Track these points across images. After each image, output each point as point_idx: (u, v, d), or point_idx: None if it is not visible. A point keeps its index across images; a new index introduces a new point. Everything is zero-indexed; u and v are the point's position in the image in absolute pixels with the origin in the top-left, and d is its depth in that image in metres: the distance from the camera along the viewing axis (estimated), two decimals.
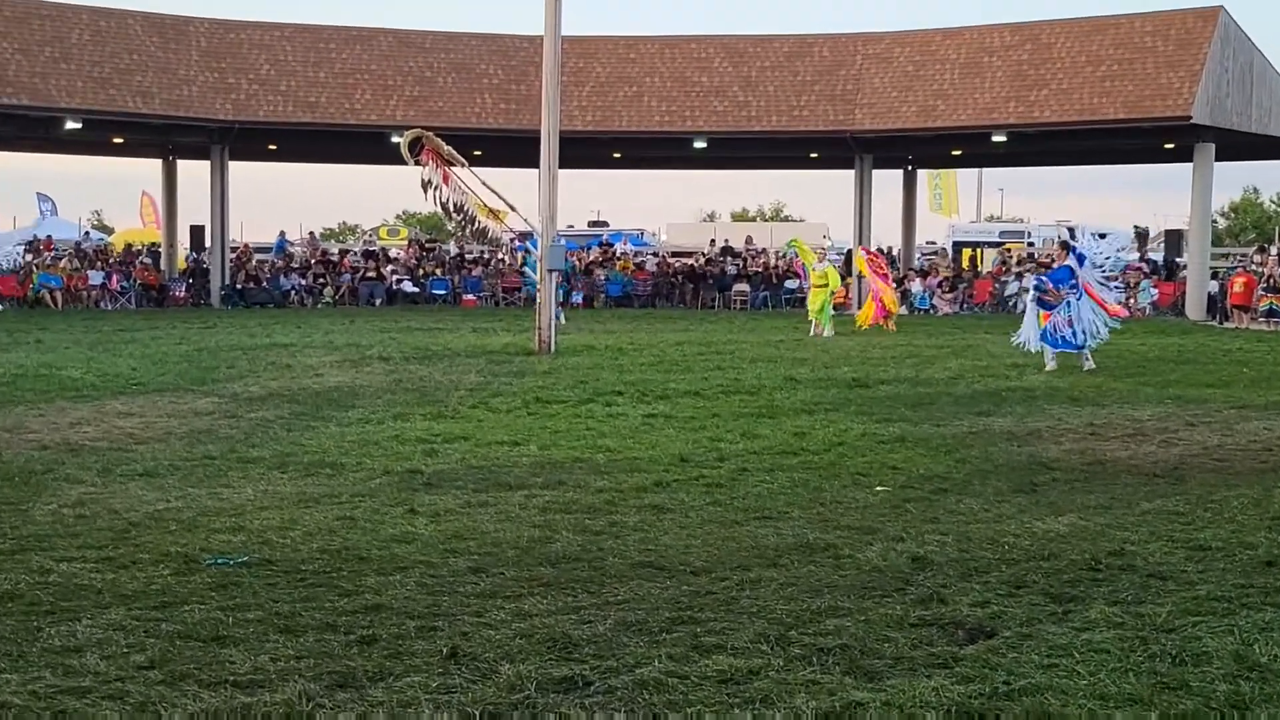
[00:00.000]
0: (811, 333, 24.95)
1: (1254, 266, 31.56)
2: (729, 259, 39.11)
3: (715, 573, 6.98)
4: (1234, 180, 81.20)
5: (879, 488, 9.38)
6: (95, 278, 33.92)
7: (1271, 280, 28.77)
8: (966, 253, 43.72)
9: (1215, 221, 60.33)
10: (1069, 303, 17.86)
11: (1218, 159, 32.03)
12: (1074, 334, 17.83)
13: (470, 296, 35.60)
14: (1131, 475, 10.02)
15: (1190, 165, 31.71)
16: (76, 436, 11.48)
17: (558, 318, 25.05)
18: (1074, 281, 17.99)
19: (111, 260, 36.55)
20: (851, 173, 35.71)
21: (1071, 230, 20.01)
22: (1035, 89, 31.77)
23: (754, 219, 79.24)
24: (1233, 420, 13.04)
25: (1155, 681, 5.28)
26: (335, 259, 39.25)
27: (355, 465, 10.09)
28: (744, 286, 36.45)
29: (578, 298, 35.22)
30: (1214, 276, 32.96)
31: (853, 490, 9.30)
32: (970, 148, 36.77)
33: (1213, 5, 30.84)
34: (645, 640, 5.81)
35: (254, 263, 37.01)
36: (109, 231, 60.85)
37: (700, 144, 35.27)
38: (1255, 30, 32.06)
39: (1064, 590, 6.63)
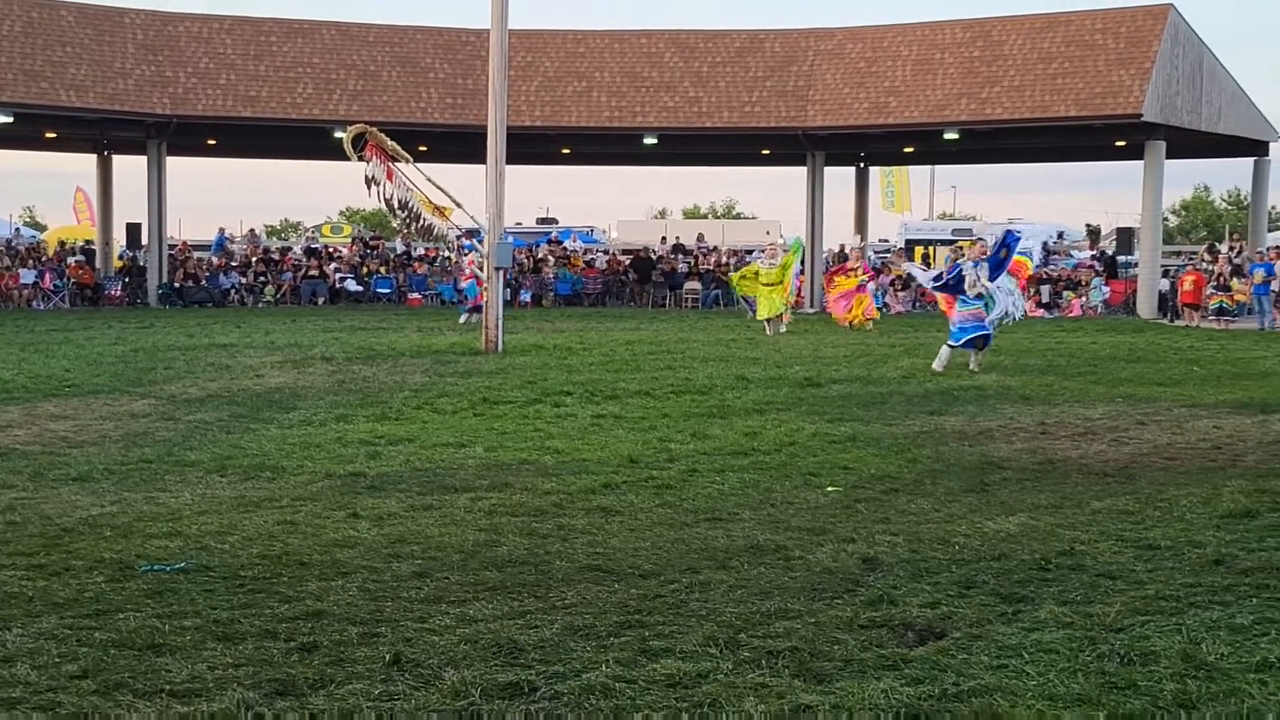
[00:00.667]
0: (769, 331, 24.69)
1: (1204, 265, 31.82)
2: (680, 256, 39.05)
3: (664, 575, 6.90)
4: (1185, 178, 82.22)
5: (830, 488, 9.32)
6: (27, 276, 33.34)
7: (1221, 279, 29.01)
8: (919, 250, 43.93)
9: (1166, 219, 61.05)
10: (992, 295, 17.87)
11: (1168, 157, 32.32)
12: (981, 324, 17.75)
13: (416, 295, 35.36)
14: (1082, 474, 10.02)
15: (1141, 163, 31.95)
16: (7, 439, 11.25)
17: (467, 319, 24.90)
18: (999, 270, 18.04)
19: (44, 258, 36.00)
20: (804, 170, 35.77)
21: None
22: (987, 86, 31.92)
23: (706, 216, 79.29)
24: (1183, 419, 13.09)
25: (1103, 681, 5.25)
26: (276, 257, 38.83)
27: (296, 468, 9.93)
28: (695, 285, 36.42)
29: (526, 296, 35.06)
30: (1165, 275, 33.21)
31: (804, 491, 9.23)
32: (922, 145, 36.93)
33: (1162, 3, 31.11)
34: (592, 644, 5.72)
35: (193, 261, 36.53)
36: (41, 229, 60.00)
37: (651, 140, 35.21)
38: (1205, 29, 32.69)
39: (1014, 590, 6.59)
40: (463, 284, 26.08)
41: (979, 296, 17.81)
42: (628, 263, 38.48)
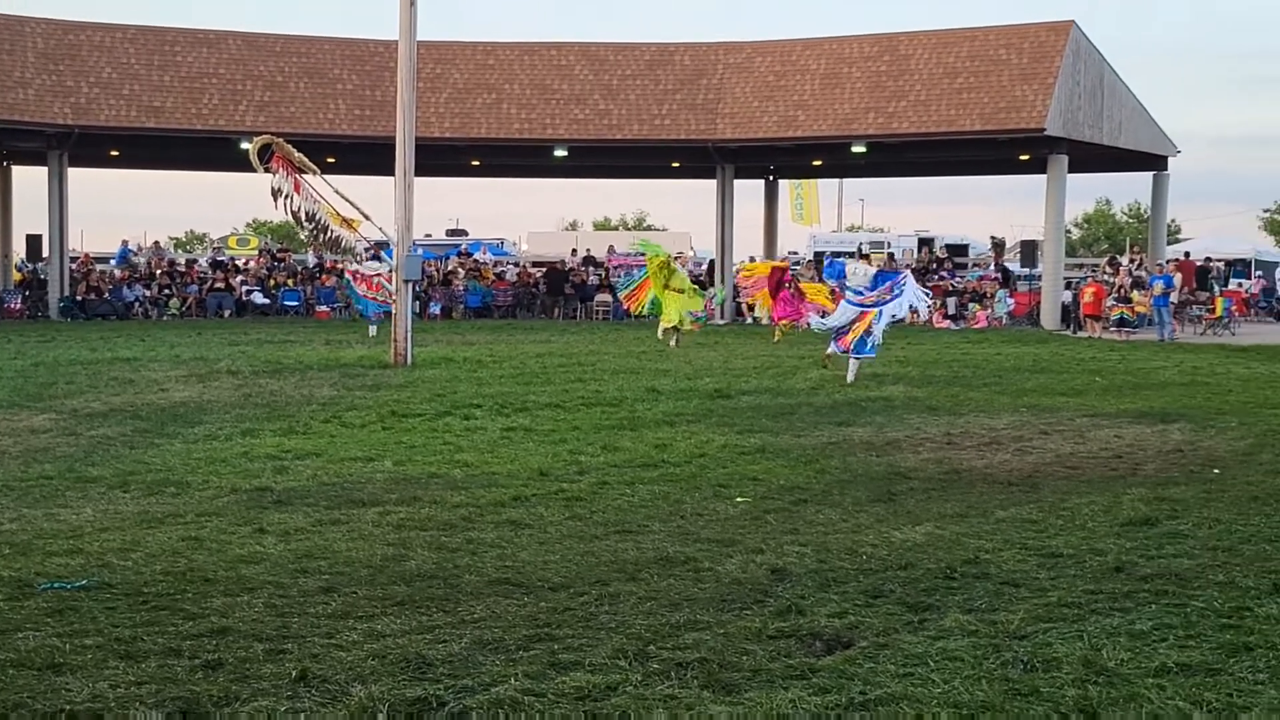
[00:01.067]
0: (674, 342, 24.15)
1: (1105, 277, 32.42)
2: (591, 268, 39.06)
3: (574, 588, 6.89)
4: (1087, 191, 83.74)
5: (739, 499, 9.37)
6: None
7: (1122, 290, 29.57)
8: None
9: (1069, 232, 62.16)
10: (880, 310, 18.01)
11: (1071, 170, 32.87)
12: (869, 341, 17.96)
13: (324, 308, 34.94)
14: (987, 483, 10.16)
15: (1045, 176, 32.48)
16: None
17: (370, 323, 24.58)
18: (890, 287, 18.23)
19: None
20: (714, 182, 35.94)
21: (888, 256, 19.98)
22: (894, 100, 32.28)
23: (617, 228, 79.46)
24: (1085, 428, 13.32)
25: (1007, 688, 5.35)
26: (181, 269, 38.24)
27: (201, 483, 9.80)
28: (606, 297, 36.42)
29: (436, 308, 34.86)
30: (1068, 286, 33.77)
31: (713, 502, 9.27)
32: (831, 158, 37.24)
33: (1064, 20, 31.69)
34: (501, 658, 5.71)
35: (95, 273, 35.85)
36: None
37: (561, 152, 35.19)
38: (1105, 46, 33.33)
39: (920, 599, 6.67)
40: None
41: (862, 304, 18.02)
42: (539, 275, 38.37)
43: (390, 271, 22.92)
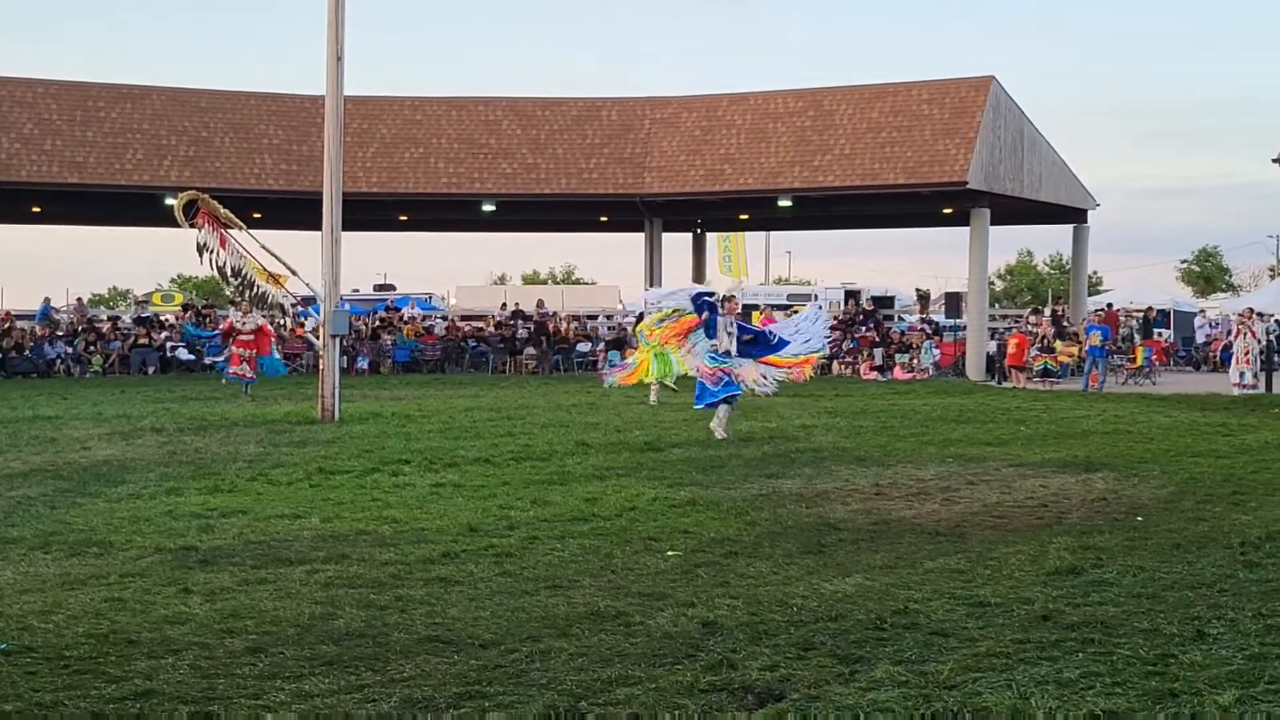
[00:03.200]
0: (654, 399, 23.17)
1: (1029, 327, 32.86)
2: (520, 322, 39.02)
3: (504, 645, 6.84)
4: (1010, 243, 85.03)
5: (670, 552, 9.36)
6: None
7: (1045, 340, 29.98)
8: (756, 314, 44.40)
9: (993, 283, 62.94)
10: (730, 354, 17.50)
11: (993, 223, 33.35)
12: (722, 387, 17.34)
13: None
14: (915, 534, 10.22)
15: (968, 229, 32.93)
16: None
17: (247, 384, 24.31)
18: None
19: None
20: (642, 235, 36.10)
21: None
22: (819, 154, 32.65)
23: (545, 281, 79.55)
24: (1011, 478, 13.46)
25: None
26: (104, 325, 37.75)
27: (125, 543, 9.63)
28: (532, 350, 36.39)
29: (363, 363, 34.65)
30: (992, 337, 34.17)
31: (644, 556, 9.25)
32: (757, 211, 37.55)
33: (984, 76, 32.24)
34: (431, 717, 5.67)
35: (15, 330, 35.29)
36: None
37: (489, 207, 35.24)
38: (1025, 102, 33.92)
39: (851, 650, 6.69)
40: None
41: (726, 354, 17.46)
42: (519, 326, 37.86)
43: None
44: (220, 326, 26.68)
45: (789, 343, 18.24)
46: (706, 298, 18.02)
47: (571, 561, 9.05)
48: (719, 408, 17.44)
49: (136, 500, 11.79)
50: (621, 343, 34.50)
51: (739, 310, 18.59)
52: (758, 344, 17.97)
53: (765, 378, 17.88)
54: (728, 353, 17.55)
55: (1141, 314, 41.13)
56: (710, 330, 17.59)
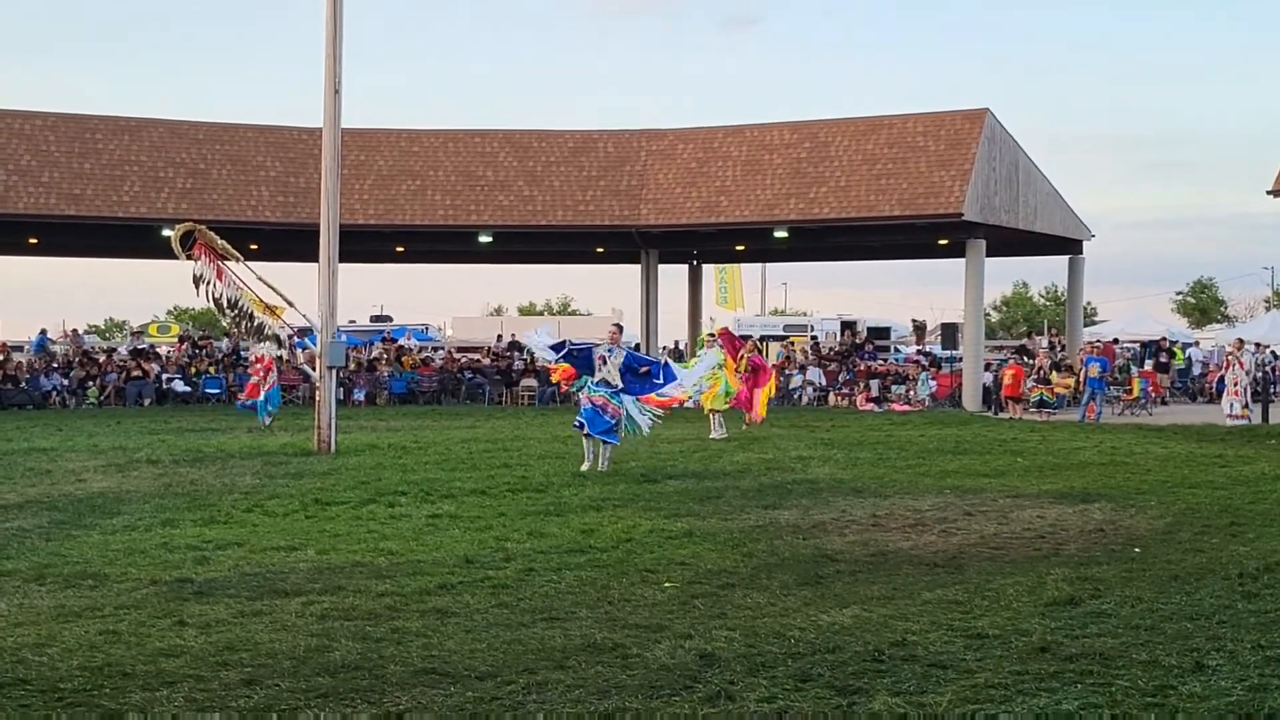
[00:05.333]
0: (717, 433, 22.39)
1: (1025, 359, 32.85)
2: (516, 354, 39.01)
3: (501, 677, 6.82)
4: (1005, 275, 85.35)
5: (667, 584, 9.34)
6: None
7: (1041, 372, 29.98)
8: (749, 344, 44.42)
9: (988, 314, 63.08)
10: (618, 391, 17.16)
11: (989, 254, 33.39)
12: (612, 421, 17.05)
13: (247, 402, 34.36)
14: (913, 565, 10.20)
15: (964, 260, 32.98)
16: None
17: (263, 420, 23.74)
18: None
19: None
20: (638, 267, 36.14)
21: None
22: (814, 186, 32.72)
23: (541, 313, 79.66)
24: (1008, 509, 13.45)
25: None
26: (100, 357, 37.69)
27: (120, 575, 9.60)
28: (532, 381, 36.37)
29: (360, 395, 34.62)
30: (988, 368, 34.19)
31: (641, 588, 9.23)
32: (753, 243, 37.61)
33: (979, 108, 32.36)
34: None
35: (12, 362, 35.24)
36: None
37: (485, 238, 35.29)
38: (1019, 133, 34.02)
39: (849, 682, 6.67)
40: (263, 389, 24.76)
41: (607, 384, 17.14)
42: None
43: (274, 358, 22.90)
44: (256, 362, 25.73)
45: (675, 380, 17.78)
46: (575, 350, 17.66)
47: (568, 593, 9.02)
48: (608, 440, 17.05)
49: (132, 532, 11.75)
50: None
51: (620, 339, 17.97)
52: (644, 380, 17.51)
53: (644, 414, 17.53)
54: (605, 382, 17.15)
55: (1148, 343, 41.05)
56: (588, 369, 17.35)
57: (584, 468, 16.93)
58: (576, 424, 17.41)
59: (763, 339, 43.71)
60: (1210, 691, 6.44)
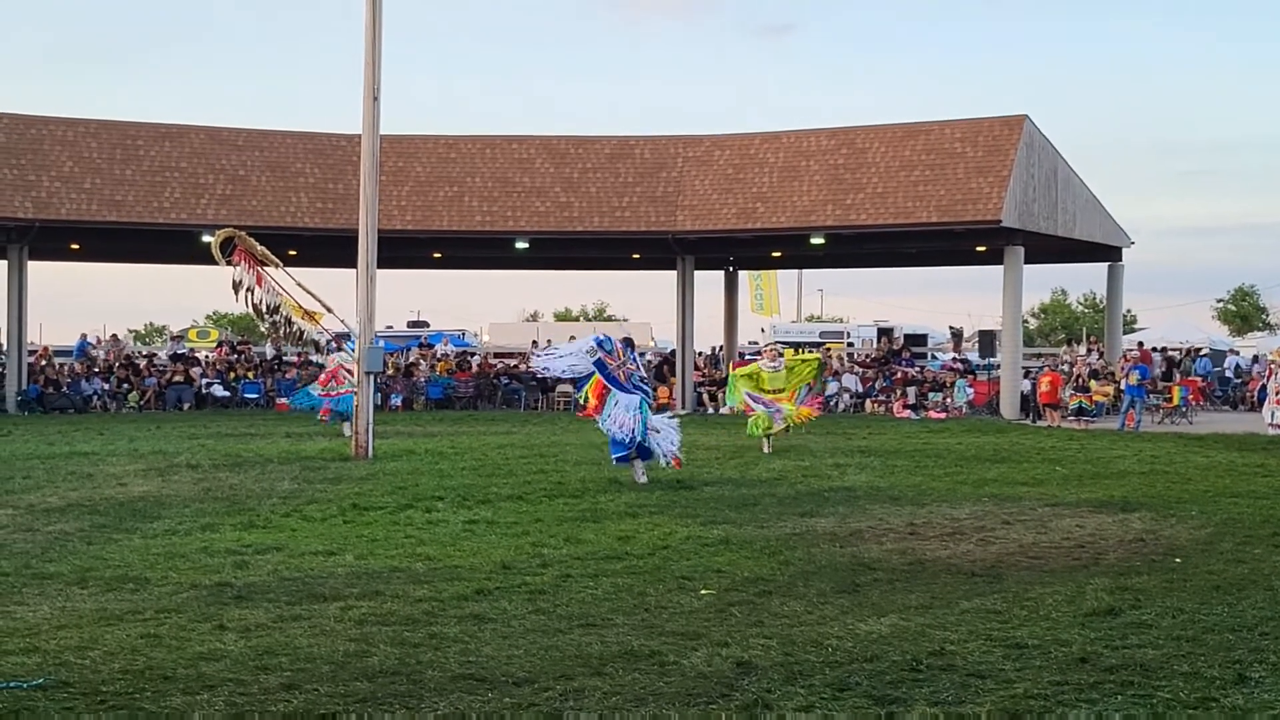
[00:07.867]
0: (765, 449, 21.26)
1: (1063, 366, 32.63)
2: None
3: (538, 683, 6.83)
4: (1043, 282, 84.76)
5: (704, 591, 9.33)
6: None
7: (1080, 379, 29.78)
8: (789, 352, 44.43)
9: (1026, 322, 62.72)
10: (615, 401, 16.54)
11: (1027, 261, 33.18)
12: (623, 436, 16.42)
13: (284, 400, 34.67)
14: (951, 574, 10.15)
15: (1001, 267, 32.81)
16: None
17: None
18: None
19: None
20: (674, 273, 36.15)
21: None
22: (851, 193, 32.63)
23: (577, 319, 79.73)
24: (1046, 518, 13.37)
25: None
26: (141, 362, 38.00)
27: (161, 579, 9.67)
28: (568, 387, 36.42)
29: (397, 400, 34.75)
30: (1026, 376, 33.98)
31: (677, 595, 9.22)
32: (790, 249, 37.51)
33: (1017, 114, 32.20)
34: None
35: (54, 366, 35.56)
36: None
37: (522, 244, 35.35)
38: (1058, 139, 33.77)
39: (886, 692, 6.64)
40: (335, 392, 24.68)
41: (638, 389, 16.65)
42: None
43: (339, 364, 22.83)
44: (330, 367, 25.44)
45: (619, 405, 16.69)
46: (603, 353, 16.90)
47: (605, 600, 9.03)
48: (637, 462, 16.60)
49: (172, 536, 11.85)
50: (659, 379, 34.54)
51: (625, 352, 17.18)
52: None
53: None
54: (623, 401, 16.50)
55: (1178, 351, 40.77)
56: (614, 384, 16.69)
57: (641, 480, 16.39)
58: (619, 456, 16.60)
59: (799, 346, 43.66)
60: (1253, 704, 6.39)
